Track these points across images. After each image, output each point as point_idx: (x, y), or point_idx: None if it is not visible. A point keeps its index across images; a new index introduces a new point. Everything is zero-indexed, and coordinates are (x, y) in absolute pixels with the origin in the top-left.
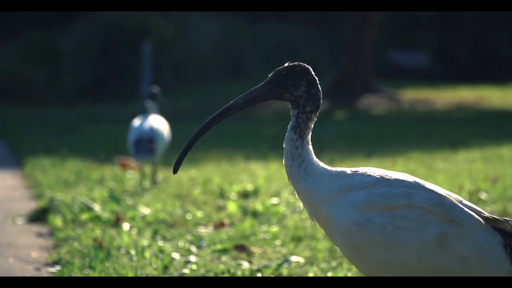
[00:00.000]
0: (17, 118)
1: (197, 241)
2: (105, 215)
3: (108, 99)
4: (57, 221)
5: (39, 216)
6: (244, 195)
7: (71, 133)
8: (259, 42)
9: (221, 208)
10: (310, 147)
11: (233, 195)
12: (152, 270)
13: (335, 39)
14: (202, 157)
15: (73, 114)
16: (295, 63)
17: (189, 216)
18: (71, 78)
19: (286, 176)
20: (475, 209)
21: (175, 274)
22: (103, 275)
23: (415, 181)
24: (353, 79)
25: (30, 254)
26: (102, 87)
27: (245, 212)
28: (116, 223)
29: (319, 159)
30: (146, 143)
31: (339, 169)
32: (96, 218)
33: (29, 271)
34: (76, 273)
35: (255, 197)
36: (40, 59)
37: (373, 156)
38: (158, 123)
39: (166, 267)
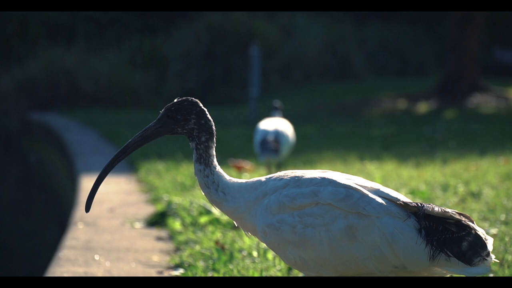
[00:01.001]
0: (126, 123)
1: None
2: (225, 217)
3: (214, 103)
4: (176, 224)
5: (157, 220)
6: None
7: (180, 137)
8: (364, 43)
9: None
10: (219, 170)
11: None
12: (276, 271)
13: (439, 38)
14: (316, 158)
15: None
16: (183, 98)
17: None
18: (177, 83)
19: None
20: (392, 197)
21: (300, 275)
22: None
23: (327, 178)
24: (460, 78)
25: (151, 258)
26: (208, 91)
27: None
28: (236, 225)
29: (432, 158)
30: (271, 143)
31: (255, 179)
32: (216, 221)
33: (151, 275)
34: (200, 276)
35: None
36: (146, 64)
37: (486, 155)
38: (283, 125)
39: (290, 268)
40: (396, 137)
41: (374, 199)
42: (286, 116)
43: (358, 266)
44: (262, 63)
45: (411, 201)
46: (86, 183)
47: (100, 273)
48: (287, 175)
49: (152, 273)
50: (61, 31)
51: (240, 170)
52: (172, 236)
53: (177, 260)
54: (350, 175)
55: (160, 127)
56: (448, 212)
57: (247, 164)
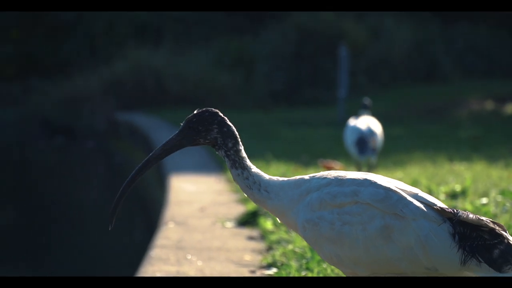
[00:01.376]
0: None
1: None
2: None
3: (301, 103)
4: (268, 224)
5: (248, 220)
6: (452, 195)
7: (268, 137)
8: (451, 45)
9: None
10: (256, 170)
11: (441, 196)
12: None
13: None
14: (406, 159)
15: (268, 119)
16: (203, 109)
17: None
18: (264, 84)
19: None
20: (429, 201)
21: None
22: (321, 276)
23: (368, 179)
24: None
25: (243, 257)
26: (295, 91)
27: None
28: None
29: None
30: (368, 141)
31: (297, 177)
32: None
33: (244, 274)
34: (293, 275)
35: (464, 197)
36: (233, 65)
37: None
38: (373, 123)
39: None
40: (484, 138)
41: (412, 202)
42: (373, 117)
43: (391, 265)
44: (349, 63)
45: (447, 207)
46: (175, 182)
47: (192, 273)
48: (330, 175)
49: (244, 272)
50: (148, 31)
51: (330, 170)
52: (263, 236)
53: (269, 259)
54: (391, 179)
55: (182, 139)
56: (482, 220)
57: (337, 165)
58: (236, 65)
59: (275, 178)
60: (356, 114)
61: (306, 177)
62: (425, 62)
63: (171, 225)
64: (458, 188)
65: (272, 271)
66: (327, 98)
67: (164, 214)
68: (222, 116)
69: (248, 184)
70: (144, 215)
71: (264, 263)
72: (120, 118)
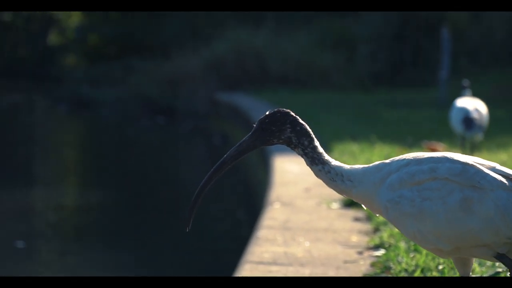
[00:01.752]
0: (314, 104)
1: None
2: None
3: (403, 85)
4: None
5: (353, 202)
6: None
7: (371, 118)
8: None
9: None
10: (335, 162)
11: None
12: None
13: None
14: (509, 141)
15: (370, 100)
16: (275, 110)
17: None
18: (366, 65)
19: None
20: (506, 173)
21: None
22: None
23: (446, 156)
24: None
25: (349, 239)
26: (396, 73)
27: None
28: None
29: None
30: (477, 120)
31: (377, 162)
32: None
33: (351, 256)
34: (402, 256)
35: None
36: (335, 46)
37: None
38: (478, 103)
39: None
40: None
41: (488, 174)
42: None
43: (473, 237)
44: (451, 45)
45: None
46: (279, 163)
47: (300, 254)
48: (409, 156)
49: (352, 253)
50: (249, 12)
51: (434, 151)
52: (369, 217)
53: (377, 240)
54: (469, 156)
55: (255, 140)
56: None
57: (440, 146)
58: (338, 46)
59: (355, 166)
60: (460, 95)
61: (387, 161)
62: None
63: (277, 205)
64: None
65: (379, 252)
66: (428, 79)
67: (270, 194)
68: (294, 115)
69: (331, 177)
70: (247, 196)
71: (371, 244)
72: (220, 98)
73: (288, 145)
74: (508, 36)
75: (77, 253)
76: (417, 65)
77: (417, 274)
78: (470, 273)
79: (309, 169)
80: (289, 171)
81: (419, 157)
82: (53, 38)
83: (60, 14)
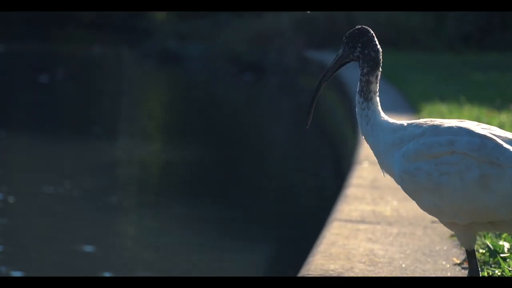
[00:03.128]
0: (403, 64)
1: None
2: None
3: (492, 47)
4: None
5: None
6: None
7: (459, 80)
8: None
9: None
10: (377, 107)
11: None
12: None
13: None
14: None
15: (458, 61)
16: (360, 26)
17: None
18: (455, 26)
19: None
20: None
21: None
22: None
23: (464, 127)
24: None
25: None
26: (485, 34)
27: None
28: None
29: None
30: None
31: (398, 122)
32: None
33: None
34: None
35: None
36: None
37: None
38: None
39: None
40: None
41: (508, 149)
42: None
43: (490, 214)
44: None
45: None
46: None
47: (387, 212)
48: (426, 123)
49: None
50: None
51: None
52: None
53: None
54: (487, 125)
55: (343, 52)
56: None
57: None
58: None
59: (388, 119)
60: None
61: (404, 123)
62: None
63: (365, 164)
64: None
65: None
66: None
67: (358, 153)
68: (370, 36)
69: (361, 114)
70: (335, 154)
71: None
72: (310, 56)
73: (359, 67)
74: None
75: (158, 208)
76: (507, 28)
77: (504, 235)
78: (474, 247)
79: None
80: None
81: (436, 125)
82: None
83: None
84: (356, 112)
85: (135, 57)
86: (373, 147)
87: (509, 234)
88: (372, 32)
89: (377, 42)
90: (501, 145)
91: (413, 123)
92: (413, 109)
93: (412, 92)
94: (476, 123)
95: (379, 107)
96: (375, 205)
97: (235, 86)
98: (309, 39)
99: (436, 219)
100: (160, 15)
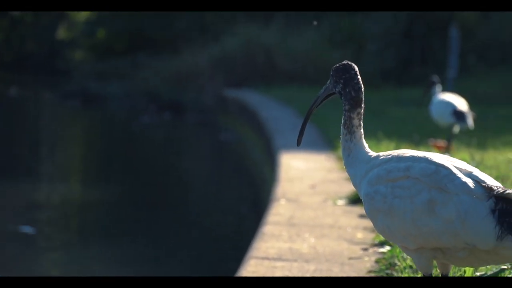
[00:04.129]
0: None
1: None
2: None
3: (411, 82)
4: None
5: (359, 198)
6: None
7: (378, 116)
8: None
9: None
10: (360, 140)
11: None
12: None
13: None
14: None
15: (377, 97)
16: (345, 62)
17: None
18: (374, 62)
19: None
20: (479, 179)
21: None
22: None
23: (426, 156)
24: None
25: (355, 235)
26: (405, 71)
27: None
28: None
29: None
30: (465, 113)
31: (375, 153)
32: None
33: (356, 252)
34: None
35: None
36: (343, 43)
37: None
38: (458, 98)
39: None
40: None
41: (459, 178)
42: (482, 97)
43: (435, 239)
44: (459, 44)
45: (499, 185)
46: (285, 160)
47: (304, 249)
48: (395, 152)
49: (356, 250)
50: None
51: (440, 150)
52: None
53: (382, 237)
54: (455, 159)
55: (328, 85)
56: None
57: (446, 144)
58: (347, 43)
59: (370, 152)
60: (432, 91)
61: (381, 154)
62: None
63: (282, 201)
64: None
65: (384, 249)
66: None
67: (275, 190)
68: (353, 73)
69: (345, 146)
70: (252, 192)
71: (377, 241)
72: (228, 95)
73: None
74: None
75: (81, 249)
76: (425, 64)
77: None
78: (449, 273)
79: (316, 166)
80: (295, 167)
81: (402, 154)
82: (62, 32)
83: None
84: (341, 142)
85: (54, 98)
86: (352, 178)
87: (455, 266)
88: (356, 69)
89: (359, 80)
90: (453, 174)
91: (385, 153)
92: (331, 145)
93: (331, 128)
94: (446, 156)
95: (363, 140)
96: (292, 242)
97: (155, 125)
98: (227, 78)
99: (354, 255)
100: (78, 55)
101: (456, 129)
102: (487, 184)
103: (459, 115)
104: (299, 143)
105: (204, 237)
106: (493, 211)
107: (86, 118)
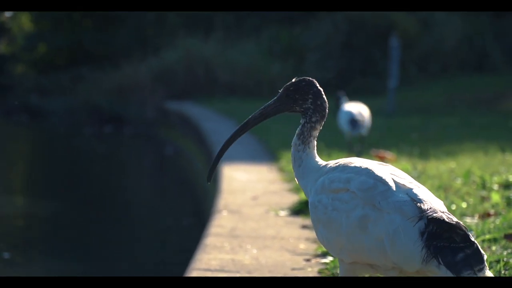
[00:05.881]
0: None
1: None
2: None
3: (352, 93)
4: None
5: (301, 209)
6: (506, 186)
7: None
8: (502, 38)
9: (484, 199)
10: (313, 150)
11: (495, 186)
12: None
13: None
14: (457, 149)
15: None
16: (301, 78)
17: (453, 207)
18: (315, 73)
19: None
20: (417, 198)
21: None
22: None
23: (368, 168)
24: None
25: (297, 246)
26: (345, 81)
27: (510, 202)
28: None
29: None
30: (358, 120)
31: (325, 162)
32: None
33: (299, 262)
34: None
35: None
36: (284, 55)
37: None
38: (363, 108)
39: None
40: None
41: (394, 196)
42: (424, 107)
43: (367, 255)
44: (400, 54)
45: (434, 206)
46: (228, 171)
47: (247, 261)
48: (343, 160)
49: (299, 260)
50: (198, 22)
51: (382, 159)
52: None
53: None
54: (401, 172)
55: (280, 105)
56: (460, 223)
57: (389, 154)
58: (287, 54)
59: (320, 161)
60: (341, 104)
61: (331, 162)
62: (475, 53)
63: (224, 213)
64: (511, 178)
65: (327, 260)
66: (377, 88)
67: (217, 202)
68: (318, 87)
69: (295, 157)
70: (195, 204)
71: (319, 251)
72: (170, 107)
73: (302, 115)
74: (457, 45)
75: (23, 263)
76: (366, 74)
77: None
78: None
79: (258, 177)
80: (237, 179)
81: (348, 164)
82: (2, 47)
83: (10, 23)
84: (291, 154)
85: None
86: (304, 189)
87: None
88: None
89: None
90: (390, 191)
91: (336, 161)
92: (272, 157)
93: (273, 140)
94: (392, 169)
95: (315, 151)
96: (234, 253)
97: (96, 138)
98: (168, 90)
99: (296, 266)
100: (20, 69)
101: (351, 136)
102: (422, 204)
103: (354, 124)
104: (210, 180)
105: (146, 249)
106: (422, 233)
107: (29, 132)
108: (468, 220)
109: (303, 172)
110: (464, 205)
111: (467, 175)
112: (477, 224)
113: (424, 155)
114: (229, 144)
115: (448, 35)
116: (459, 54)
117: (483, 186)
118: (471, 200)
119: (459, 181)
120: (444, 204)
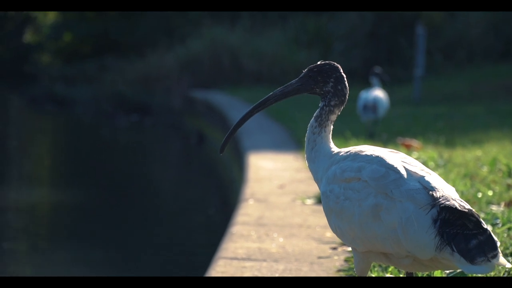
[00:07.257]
0: (291, 103)
1: (492, 219)
2: None
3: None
4: None
5: None
6: None
7: (345, 115)
8: None
9: (510, 187)
10: (328, 134)
11: None
12: None
13: None
14: (483, 138)
15: None
16: (326, 61)
17: (479, 195)
18: (340, 62)
19: None
20: (429, 186)
21: None
22: None
23: (380, 156)
24: None
25: (324, 234)
26: (371, 70)
27: None
28: None
29: None
30: (370, 106)
31: (337, 149)
32: None
33: (325, 251)
34: None
35: None
36: (310, 43)
37: None
38: (379, 93)
39: None
40: None
41: (406, 184)
42: (449, 95)
43: (380, 244)
44: (426, 43)
45: (447, 196)
46: (254, 160)
47: (273, 249)
48: (354, 149)
49: (326, 249)
50: (224, 11)
51: (409, 148)
52: None
53: None
54: (412, 159)
55: (301, 85)
56: (472, 210)
57: (415, 143)
58: (313, 43)
59: (334, 148)
60: (371, 83)
61: (342, 150)
62: (501, 41)
63: (251, 202)
64: None
65: None
66: (403, 76)
67: (244, 191)
68: (341, 73)
69: (309, 138)
70: (221, 192)
71: None
72: (196, 96)
73: (322, 98)
74: (483, 33)
75: (49, 253)
76: (392, 63)
77: (391, 268)
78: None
79: (284, 166)
80: (263, 167)
81: (360, 152)
82: (28, 36)
83: (36, 13)
84: (306, 136)
85: (21, 102)
86: (313, 173)
87: (400, 270)
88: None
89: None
90: (402, 179)
91: (347, 149)
92: (298, 145)
93: (298, 128)
94: (403, 156)
95: (330, 135)
96: (261, 242)
97: (122, 127)
98: (194, 79)
99: (323, 254)
100: (45, 58)
101: (365, 121)
102: (434, 192)
103: (366, 109)
104: (222, 151)
105: (173, 238)
106: (434, 221)
107: (53, 121)
108: (494, 208)
109: (315, 156)
110: (490, 193)
111: (493, 163)
112: (503, 212)
113: (450, 143)
114: (247, 118)
115: (474, 23)
116: (484, 42)
117: (509, 174)
118: (497, 188)
119: (485, 169)
120: (470, 192)
